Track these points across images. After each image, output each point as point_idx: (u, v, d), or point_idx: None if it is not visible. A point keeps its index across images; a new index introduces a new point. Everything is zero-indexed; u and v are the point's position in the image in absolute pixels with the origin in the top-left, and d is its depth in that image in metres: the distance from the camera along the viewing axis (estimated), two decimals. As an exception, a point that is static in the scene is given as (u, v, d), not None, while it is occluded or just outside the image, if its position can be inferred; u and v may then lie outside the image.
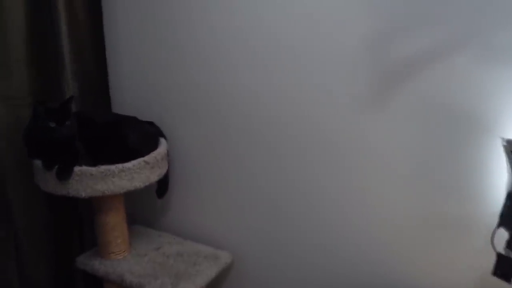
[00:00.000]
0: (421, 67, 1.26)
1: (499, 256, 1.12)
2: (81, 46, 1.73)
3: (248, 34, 1.50)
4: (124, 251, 1.67)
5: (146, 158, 1.52)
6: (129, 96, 1.85)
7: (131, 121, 1.64)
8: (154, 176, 1.56)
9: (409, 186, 1.36)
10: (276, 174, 1.58)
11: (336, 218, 1.51)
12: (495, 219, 1.13)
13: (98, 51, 1.81)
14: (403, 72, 1.29)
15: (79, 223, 1.81)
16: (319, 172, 1.50)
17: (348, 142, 1.42)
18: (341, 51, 1.36)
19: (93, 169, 1.43)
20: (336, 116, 1.42)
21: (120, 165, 1.45)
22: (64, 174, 1.42)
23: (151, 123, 1.72)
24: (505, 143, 1.15)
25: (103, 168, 1.43)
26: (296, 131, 1.50)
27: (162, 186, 1.74)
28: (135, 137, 1.57)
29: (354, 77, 1.36)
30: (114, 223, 1.61)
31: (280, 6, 1.43)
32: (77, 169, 1.43)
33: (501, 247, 1.12)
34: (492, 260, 1.13)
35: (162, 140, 1.68)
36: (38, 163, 1.48)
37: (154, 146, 1.61)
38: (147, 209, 1.93)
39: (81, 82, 1.73)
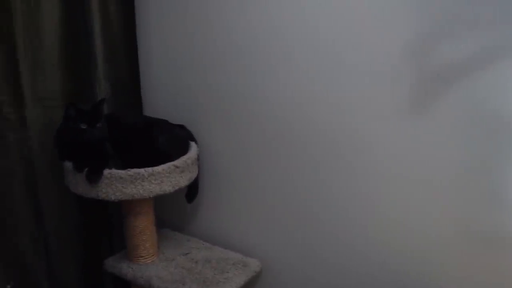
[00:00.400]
0: (467, 73, 1.19)
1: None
2: (114, 46, 1.73)
3: (284, 36, 1.46)
4: (152, 255, 1.65)
5: (176, 162, 1.49)
6: (160, 98, 1.84)
7: (162, 124, 1.63)
8: (184, 181, 1.53)
9: (454, 197, 1.30)
10: (308, 180, 1.54)
11: (372, 226, 1.45)
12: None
13: (131, 51, 1.80)
14: (448, 78, 1.22)
15: (108, 225, 1.81)
16: (355, 179, 1.45)
17: (387, 150, 1.37)
18: (384, 55, 1.30)
19: (122, 173, 1.42)
20: (376, 123, 1.36)
21: (149, 169, 1.43)
22: (94, 176, 1.42)
23: (182, 127, 1.69)
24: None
25: (132, 171, 1.42)
26: (332, 137, 1.45)
27: (192, 190, 1.72)
28: (164, 140, 1.55)
29: (396, 82, 1.30)
30: (143, 227, 1.60)
31: (321, 8, 1.37)
32: (106, 172, 1.42)
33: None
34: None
35: (192, 144, 1.66)
36: (68, 165, 1.48)
37: (184, 150, 1.59)
38: (176, 213, 1.91)
39: (112, 82, 1.73)
